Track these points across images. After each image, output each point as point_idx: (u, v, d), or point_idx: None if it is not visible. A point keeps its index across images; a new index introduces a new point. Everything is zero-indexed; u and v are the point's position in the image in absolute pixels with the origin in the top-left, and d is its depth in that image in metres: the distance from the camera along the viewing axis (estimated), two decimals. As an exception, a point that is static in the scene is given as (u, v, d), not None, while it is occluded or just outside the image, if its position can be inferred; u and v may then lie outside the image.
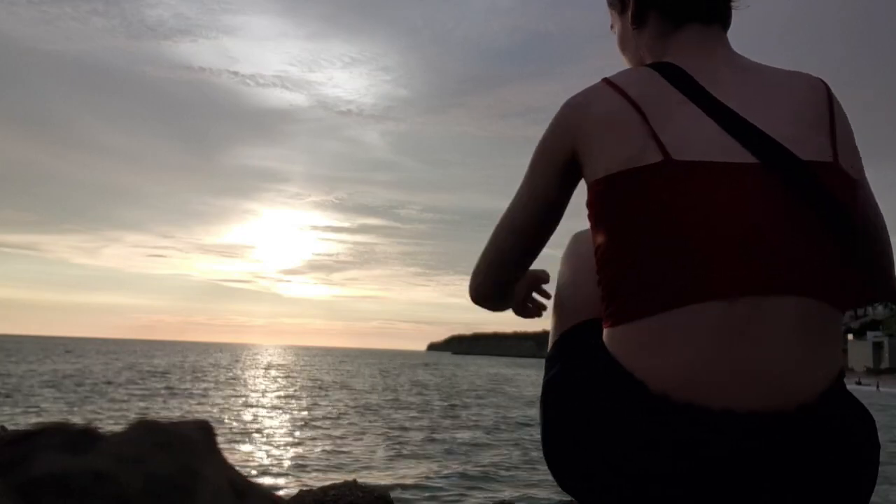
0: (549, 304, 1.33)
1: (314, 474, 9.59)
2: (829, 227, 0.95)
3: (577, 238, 1.29)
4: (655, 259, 0.94)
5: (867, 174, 1.09)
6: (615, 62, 1.27)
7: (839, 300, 0.96)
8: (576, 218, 1.16)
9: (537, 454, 10.16)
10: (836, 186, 0.96)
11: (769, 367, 0.90)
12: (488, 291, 1.21)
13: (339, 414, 18.88)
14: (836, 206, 0.95)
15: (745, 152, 0.95)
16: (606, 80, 1.06)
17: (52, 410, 16.56)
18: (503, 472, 10.22)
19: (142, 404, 19.01)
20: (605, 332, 1.02)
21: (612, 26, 1.28)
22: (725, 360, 0.90)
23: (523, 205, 1.12)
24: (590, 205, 1.03)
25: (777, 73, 1.07)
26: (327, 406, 21.40)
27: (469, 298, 1.24)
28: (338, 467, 10.19)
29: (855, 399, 0.99)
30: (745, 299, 0.90)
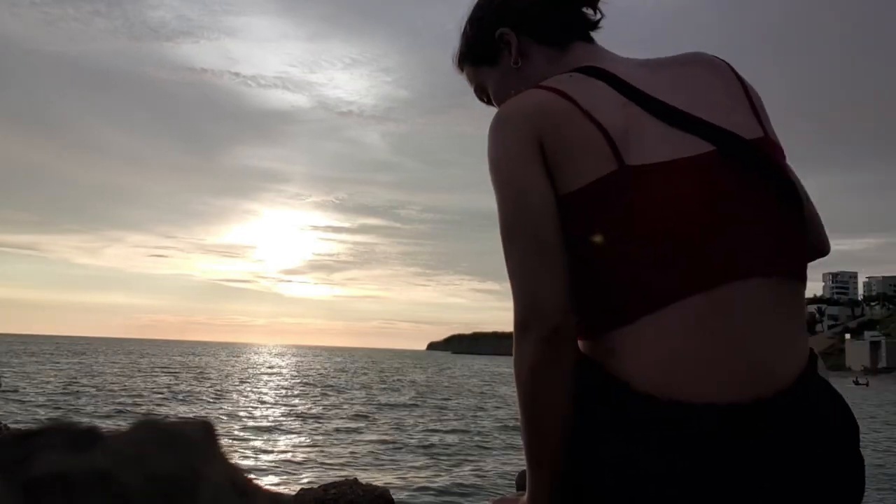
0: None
1: (315, 473, 9.59)
2: (784, 199, 0.99)
3: None
4: (627, 267, 0.94)
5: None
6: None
7: (802, 272, 1.01)
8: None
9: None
10: (778, 158, 1.02)
11: (747, 355, 0.92)
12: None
13: (341, 413, 18.88)
14: (785, 178, 1.01)
15: (694, 143, 0.98)
16: (548, 88, 1.03)
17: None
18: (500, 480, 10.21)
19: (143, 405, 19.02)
20: (581, 342, 1.01)
21: (478, 89, 1.27)
22: (704, 354, 0.91)
23: (536, 206, 0.98)
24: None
25: (678, 61, 1.10)
26: (328, 405, 21.39)
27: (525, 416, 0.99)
28: (339, 466, 10.19)
29: (826, 382, 1.00)
30: (720, 289, 0.92)
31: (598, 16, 1.19)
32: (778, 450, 0.90)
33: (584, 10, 1.18)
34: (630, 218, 0.94)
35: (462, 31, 1.27)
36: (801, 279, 1.01)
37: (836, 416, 0.97)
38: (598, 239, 0.95)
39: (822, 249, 1.17)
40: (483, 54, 1.23)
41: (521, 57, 1.19)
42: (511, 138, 1.02)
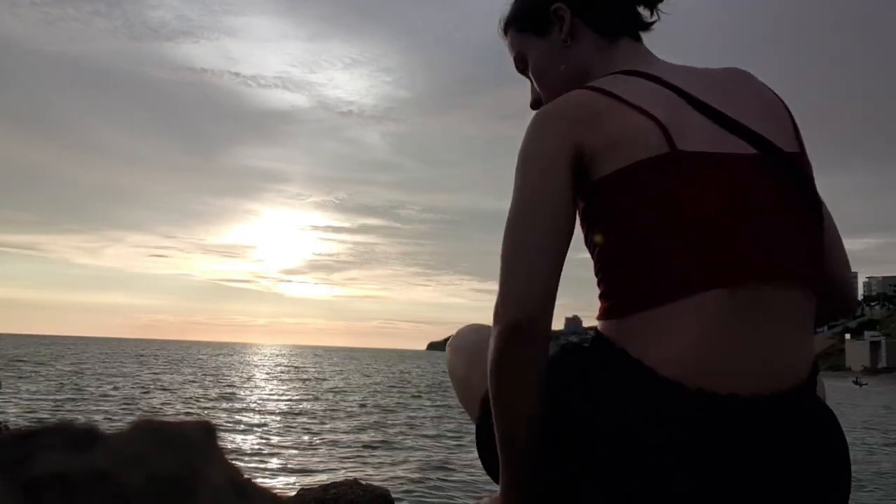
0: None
1: (316, 473, 9.59)
2: (812, 216, 1.03)
3: (470, 330, 1.29)
4: (664, 249, 0.95)
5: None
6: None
7: (818, 288, 1.03)
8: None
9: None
10: (811, 176, 1.05)
11: (770, 353, 0.94)
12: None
13: (341, 413, 18.89)
14: (814, 196, 1.05)
15: (738, 144, 1.00)
16: (592, 88, 1.05)
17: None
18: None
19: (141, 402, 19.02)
20: (604, 324, 1.01)
21: (517, 56, 1.28)
22: (731, 346, 0.92)
23: (543, 206, 0.99)
24: (593, 204, 1.02)
25: (717, 71, 1.12)
26: (328, 406, 21.40)
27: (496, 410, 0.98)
28: (339, 466, 10.19)
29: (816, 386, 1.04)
30: (748, 286, 0.93)
31: (654, 17, 1.21)
32: (785, 438, 0.92)
33: (640, 8, 1.20)
34: (675, 200, 0.96)
35: None
36: (816, 295, 1.02)
37: (832, 418, 1.00)
38: (640, 216, 0.97)
39: (846, 302, 1.18)
40: (533, 23, 1.23)
41: (570, 35, 1.19)
42: (546, 134, 1.03)
